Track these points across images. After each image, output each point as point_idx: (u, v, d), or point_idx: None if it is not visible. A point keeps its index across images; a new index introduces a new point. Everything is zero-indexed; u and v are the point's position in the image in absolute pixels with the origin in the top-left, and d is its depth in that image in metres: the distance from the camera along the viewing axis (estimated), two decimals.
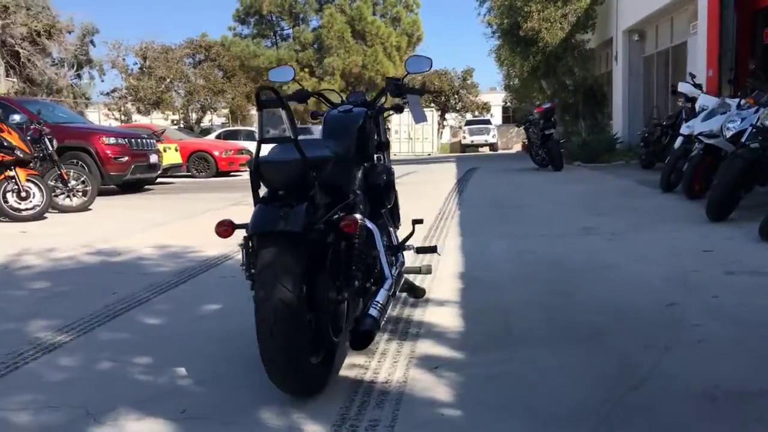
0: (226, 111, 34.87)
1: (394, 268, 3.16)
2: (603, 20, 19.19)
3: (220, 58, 32.51)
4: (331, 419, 2.24)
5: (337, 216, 2.44)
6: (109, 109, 32.36)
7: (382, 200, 3.20)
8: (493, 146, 38.52)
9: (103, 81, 33.06)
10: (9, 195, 8.08)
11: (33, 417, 2.36)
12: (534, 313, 3.47)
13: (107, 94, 32.83)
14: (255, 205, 2.34)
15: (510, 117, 44.53)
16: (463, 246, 5.46)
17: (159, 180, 14.42)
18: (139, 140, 12.14)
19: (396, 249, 3.35)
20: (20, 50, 23.94)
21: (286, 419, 2.27)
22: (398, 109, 3.61)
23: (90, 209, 9.28)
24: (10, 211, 8.04)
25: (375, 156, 3.41)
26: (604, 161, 15.66)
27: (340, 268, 2.51)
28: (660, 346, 2.87)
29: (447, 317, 3.42)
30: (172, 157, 15.25)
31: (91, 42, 31.99)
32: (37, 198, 8.21)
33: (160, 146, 13.94)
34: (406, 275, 3.66)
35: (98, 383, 2.69)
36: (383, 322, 2.55)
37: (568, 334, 3.11)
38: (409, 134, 36.51)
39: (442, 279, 4.24)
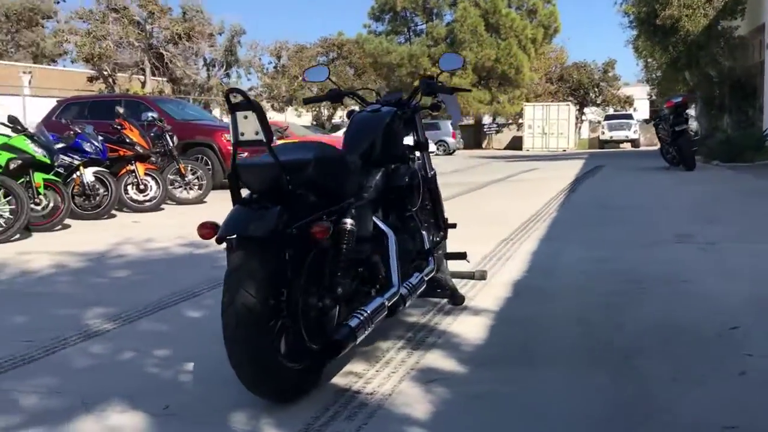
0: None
1: (418, 274, 3.05)
2: (755, 4, 17.42)
3: (351, 55, 33.37)
4: (295, 428, 2.21)
5: (320, 220, 2.39)
6: None
7: (405, 203, 3.10)
8: (634, 142, 36.38)
9: (249, 80, 34.95)
10: (129, 188, 8.78)
11: (38, 401, 2.53)
12: (570, 329, 3.22)
13: None
14: (233, 206, 2.35)
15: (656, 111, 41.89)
16: (536, 251, 5.19)
17: None
18: None
19: (426, 254, 3.24)
20: (164, 52, 26.06)
21: (254, 423, 2.26)
22: (435, 108, 3.49)
23: (205, 201, 9.86)
24: (130, 202, 8.74)
25: (410, 156, 3.32)
26: (747, 160, 14.25)
27: (324, 273, 2.46)
28: (692, 376, 2.55)
29: (473, 328, 3.26)
30: None
31: (239, 42, 34.09)
32: (153, 190, 8.87)
33: (282, 142, 14.51)
34: (454, 279, 3.54)
35: (109, 373, 2.83)
36: (366, 332, 2.46)
37: (594, 356, 2.85)
38: (543, 129, 35.36)
39: (493, 286, 4.04)
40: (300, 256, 2.36)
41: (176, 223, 7.59)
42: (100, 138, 8.37)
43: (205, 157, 11.55)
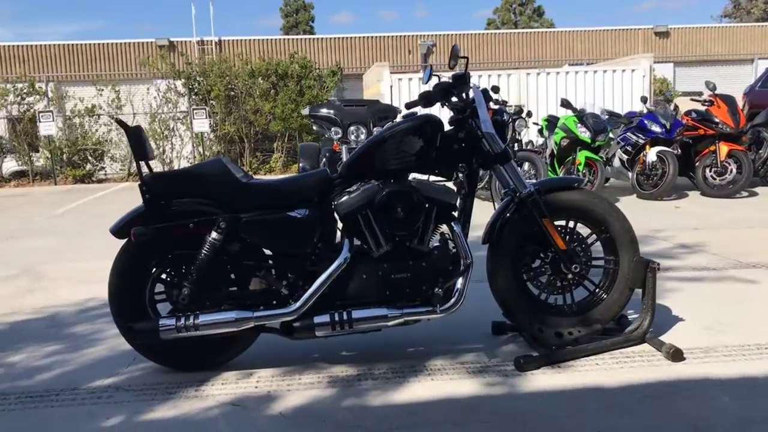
0: None
1: (382, 311, 2.68)
2: None
3: None
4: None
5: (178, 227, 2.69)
6: None
7: (393, 226, 2.70)
8: None
9: None
10: (707, 170, 7.98)
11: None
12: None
13: None
14: None
15: None
16: None
17: None
18: None
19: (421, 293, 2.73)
20: None
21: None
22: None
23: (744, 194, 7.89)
24: (704, 185, 7.96)
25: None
26: None
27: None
28: None
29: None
30: None
31: None
32: (733, 174, 7.78)
33: None
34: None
35: None
36: (186, 334, 2.60)
37: None
38: None
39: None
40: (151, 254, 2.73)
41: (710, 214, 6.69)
42: (674, 116, 7.96)
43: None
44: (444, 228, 2.81)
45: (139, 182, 2.68)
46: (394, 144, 2.72)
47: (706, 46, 23.03)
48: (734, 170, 7.82)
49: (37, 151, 13.75)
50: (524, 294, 2.94)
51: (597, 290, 3.01)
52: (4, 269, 5.21)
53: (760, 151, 8.69)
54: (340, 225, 2.80)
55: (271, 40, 22.11)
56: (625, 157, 8.22)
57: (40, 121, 12.62)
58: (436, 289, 2.69)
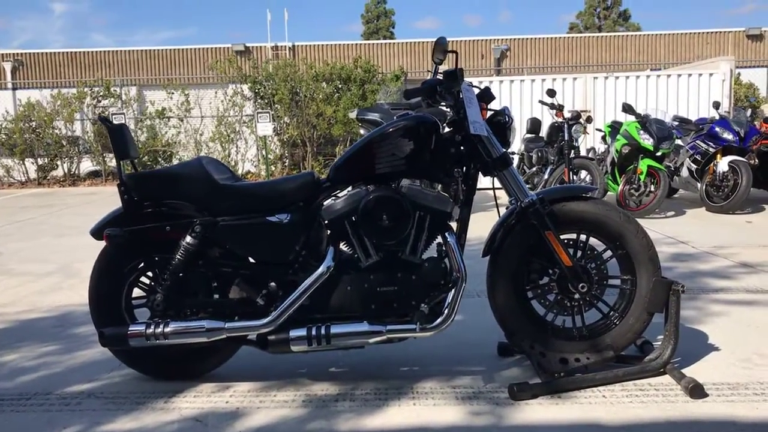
0: None
1: (367, 325, 2.49)
2: None
3: None
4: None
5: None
6: None
7: (380, 234, 2.50)
8: None
9: None
10: None
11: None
12: None
13: None
14: None
15: None
16: None
17: None
18: None
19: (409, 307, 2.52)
20: None
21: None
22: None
23: None
24: None
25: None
26: None
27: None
28: None
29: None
30: None
31: None
32: None
33: None
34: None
35: None
36: (149, 343, 2.49)
37: None
38: None
39: None
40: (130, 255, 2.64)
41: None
42: (750, 123, 7.34)
43: None
44: (441, 239, 2.58)
45: (117, 182, 2.59)
46: (385, 146, 2.51)
47: None
48: None
49: (111, 152, 14.27)
50: (526, 313, 2.65)
51: (611, 313, 2.69)
52: (43, 265, 5.33)
53: None
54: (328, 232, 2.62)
55: (344, 45, 22.27)
56: (694, 166, 7.66)
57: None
58: (422, 306, 2.47)
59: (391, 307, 2.51)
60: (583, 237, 2.65)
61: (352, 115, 8.02)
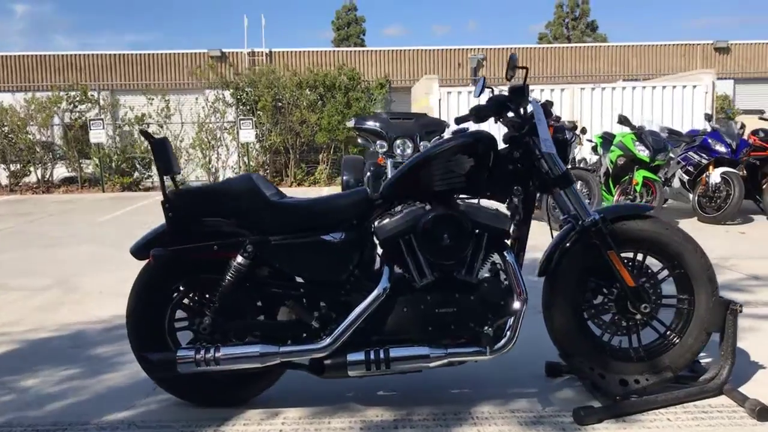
0: None
1: (426, 349, 2.39)
2: None
3: None
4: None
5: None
6: None
7: (437, 254, 2.42)
8: None
9: None
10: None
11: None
12: None
13: None
14: None
15: None
16: None
17: None
18: None
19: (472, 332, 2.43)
20: None
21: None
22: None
23: None
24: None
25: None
26: None
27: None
28: None
29: None
30: None
31: None
32: None
33: None
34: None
35: None
36: (203, 368, 2.36)
37: None
38: None
39: None
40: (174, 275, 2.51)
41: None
42: (740, 135, 7.46)
43: None
44: (496, 257, 2.50)
45: (162, 199, 2.46)
46: (442, 163, 2.43)
47: None
48: None
49: (87, 158, 13.93)
50: (584, 334, 2.60)
51: (668, 333, 2.65)
52: (38, 279, 5.11)
53: None
54: (379, 251, 2.53)
55: (321, 51, 22.10)
56: (686, 177, 7.75)
57: (90, 129, 12.80)
58: (486, 328, 2.39)
59: (449, 329, 2.43)
60: (639, 256, 2.61)
61: (350, 124, 7.93)
